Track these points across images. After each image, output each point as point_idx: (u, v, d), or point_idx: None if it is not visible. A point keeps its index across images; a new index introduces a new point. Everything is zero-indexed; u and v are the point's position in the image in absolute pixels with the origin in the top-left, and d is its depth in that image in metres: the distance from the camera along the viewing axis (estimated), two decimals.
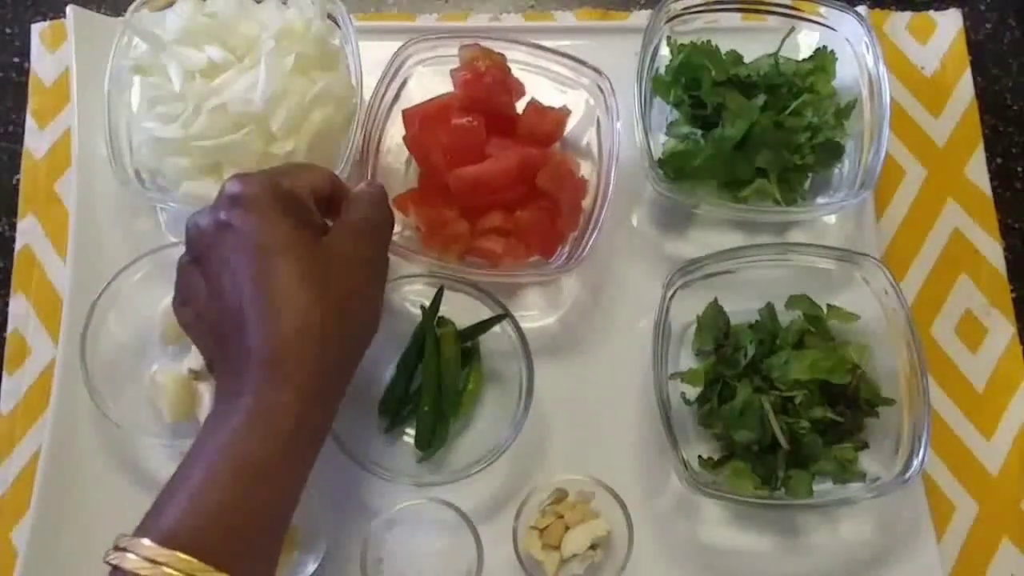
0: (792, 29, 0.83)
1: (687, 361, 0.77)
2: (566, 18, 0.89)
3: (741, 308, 0.77)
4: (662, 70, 0.82)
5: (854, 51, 0.81)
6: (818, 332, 0.75)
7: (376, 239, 0.64)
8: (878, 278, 0.75)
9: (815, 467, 0.71)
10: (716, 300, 0.77)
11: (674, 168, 0.78)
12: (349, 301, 0.59)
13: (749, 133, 0.77)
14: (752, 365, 0.73)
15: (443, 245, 0.76)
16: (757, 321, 0.77)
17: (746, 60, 0.82)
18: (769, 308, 0.76)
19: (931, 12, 0.90)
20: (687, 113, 0.81)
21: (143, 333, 0.77)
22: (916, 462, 0.69)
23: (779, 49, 0.82)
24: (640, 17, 0.89)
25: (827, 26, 0.82)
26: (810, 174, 0.80)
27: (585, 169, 0.80)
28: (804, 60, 0.82)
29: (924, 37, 0.89)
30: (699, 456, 0.73)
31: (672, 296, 0.74)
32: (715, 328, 0.76)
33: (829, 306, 0.76)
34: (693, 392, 0.75)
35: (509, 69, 0.79)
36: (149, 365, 0.77)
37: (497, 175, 0.76)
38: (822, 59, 0.81)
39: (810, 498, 0.70)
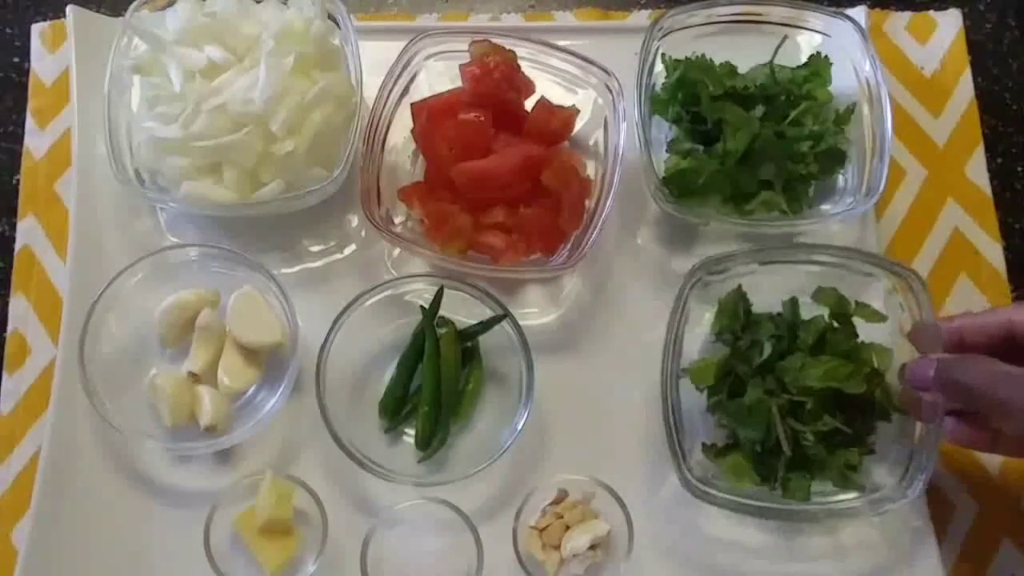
0: (785, 37, 0.82)
1: (692, 355, 0.76)
2: (566, 18, 0.90)
3: (762, 305, 0.76)
4: (658, 86, 0.82)
5: (850, 56, 0.81)
6: (843, 329, 0.73)
7: None
8: (903, 284, 0.73)
9: (817, 474, 0.71)
10: (740, 287, 0.75)
11: (679, 186, 0.78)
12: None
13: (751, 146, 0.77)
14: (766, 365, 0.73)
15: (446, 239, 0.76)
16: (779, 314, 0.75)
17: (741, 69, 0.82)
18: (792, 302, 0.75)
19: (931, 12, 0.90)
20: (687, 130, 0.81)
21: (142, 335, 0.77)
22: (922, 477, 0.68)
23: (773, 58, 0.82)
24: (640, 17, 0.89)
25: (822, 32, 0.82)
26: (813, 182, 0.80)
27: (590, 169, 0.81)
28: (799, 67, 0.82)
29: (924, 37, 0.89)
30: (703, 443, 0.73)
31: (692, 286, 0.73)
32: (735, 314, 0.75)
33: (857, 303, 0.74)
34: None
35: (519, 66, 0.79)
36: (148, 367, 0.77)
37: (501, 171, 0.76)
38: (817, 65, 0.81)
39: (807, 502, 0.70)
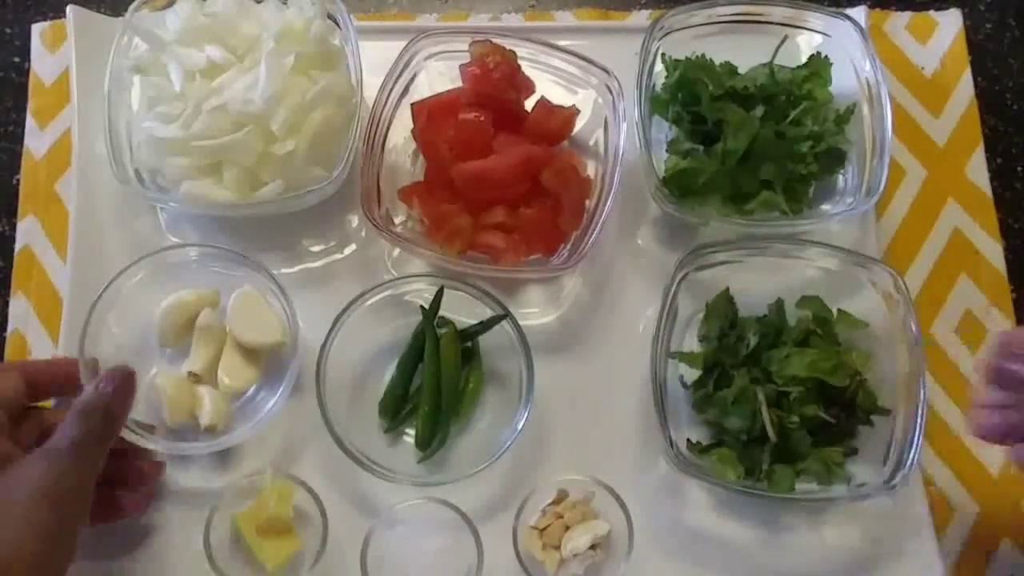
0: (785, 37, 0.82)
1: (690, 347, 0.77)
2: (566, 18, 0.90)
3: (750, 305, 0.77)
4: (658, 86, 0.82)
5: (850, 56, 0.81)
6: (824, 335, 0.75)
7: (81, 466, 0.58)
8: (887, 284, 0.75)
9: (800, 465, 0.71)
10: (727, 290, 0.77)
11: (679, 186, 0.78)
12: (23, 546, 0.54)
13: (752, 146, 0.77)
14: (753, 356, 0.74)
15: (446, 239, 0.76)
16: (765, 316, 0.77)
17: (741, 69, 0.82)
18: (778, 304, 0.77)
19: (931, 12, 0.90)
20: (687, 130, 0.81)
21: (142, 335, 0.77)
22: (908, 461, 0.68)
23: (773, 58, 0.82)
24: (640, 17, 0.89)
25: (822, 32, 0.82)
26: (813, 182, 0.80)
27: (590, 168, 0.81)
28: (799, 67, 0.82)
29: (924, 37, 0.89)
30: (688, 440, 0.74)
31: (683, 278, 0.74)
32: (723, 317, 0.76)
33: (839, 311, 0.75)
34: (691, 375, 0.75)
35: (519, 66, 0.79)
36: (148, 367, 0.77)
37: (501, 171, 0.76)
38: (817, 65, 0.81)
39: (791, 492, 0.70)
